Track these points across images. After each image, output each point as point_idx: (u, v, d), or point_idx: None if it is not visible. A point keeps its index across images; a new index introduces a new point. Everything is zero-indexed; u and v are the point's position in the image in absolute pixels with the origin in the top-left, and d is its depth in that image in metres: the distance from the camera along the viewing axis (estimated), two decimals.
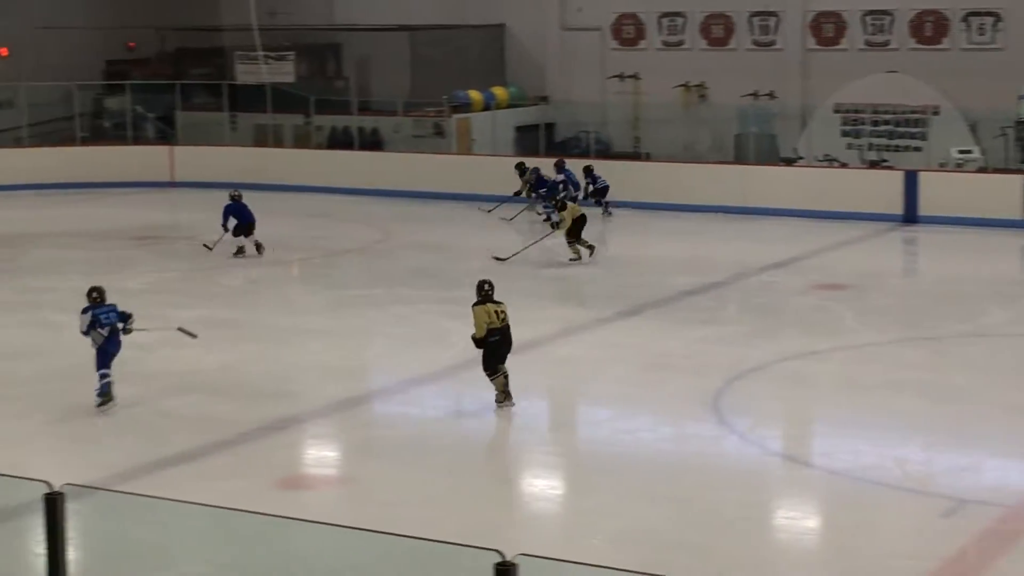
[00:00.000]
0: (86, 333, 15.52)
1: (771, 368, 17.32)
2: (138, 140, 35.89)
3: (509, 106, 34.87)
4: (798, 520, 12.80)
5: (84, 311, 15.62)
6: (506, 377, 15.33)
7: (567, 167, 28.30)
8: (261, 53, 33.81)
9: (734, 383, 16.52)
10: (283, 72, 34.38)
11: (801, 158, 31.48)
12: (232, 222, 24.40)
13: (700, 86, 34.13)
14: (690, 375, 16.95)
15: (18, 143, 35.19)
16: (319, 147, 34.73)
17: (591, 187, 28.73)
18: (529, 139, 33.96)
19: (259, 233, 24.42)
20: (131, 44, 39.82)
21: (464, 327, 16.92)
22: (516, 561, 6.51)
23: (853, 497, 13.00)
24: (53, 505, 6.09)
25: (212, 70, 38.08)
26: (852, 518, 12.33)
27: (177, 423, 15.04)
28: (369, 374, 17.96)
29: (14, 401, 15.94)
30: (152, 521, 9.11)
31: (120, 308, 15.68)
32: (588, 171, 28.89)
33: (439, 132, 33.65)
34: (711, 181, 29.91)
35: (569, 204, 24.16)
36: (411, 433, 15.11)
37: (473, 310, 15.30)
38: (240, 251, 24.55)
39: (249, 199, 24.53)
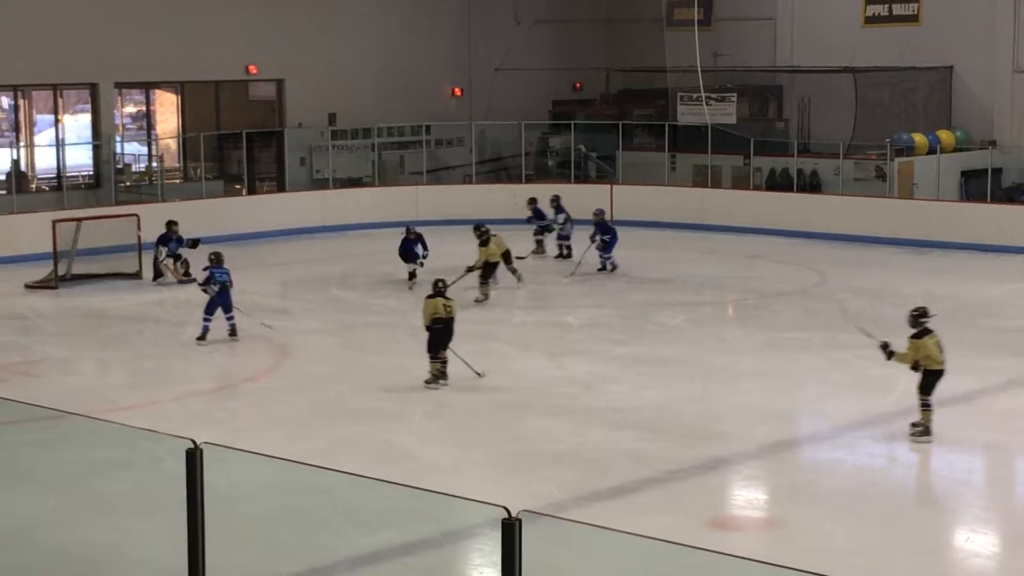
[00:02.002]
0: (202, 285, 20.89)
1: None
2: (580, 179, 36.81)
3: (954, 150, 33.98)
4: None
5: (204, 269, 21.09)
6: (444, 363, 18.06)
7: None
8: (703, 94, 34.12)
9: None
10: (724, 113, 34.59)
11: None
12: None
13: None
14: None
15: (467, 179, 36.66)
16: (757, 188, 34.73)
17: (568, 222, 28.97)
18: (975, 184, 32.98)
19: (682, 271, 24.62)
20: (577, 85, 40.94)
21: (900, 375, 16.63)
22: None
23: None
24: (511, 531, 6.26)
25: (653, 111, 38.68)
26: None
27: (612, 458, 15.32)
28: (802, 418, 17.81)
29: (463, 429, 16.59)
30: (590, 552, 9.32)
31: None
32: (555, 201, 29.21)
33: (880, 175, 33.10)
34: None
35: (492, 242, 24.30)
36: (843, 480, 14.91)
37: (425, 301, 18.32)
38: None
39: (685, 239, 24.78)
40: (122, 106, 35.64)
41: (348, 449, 15.52)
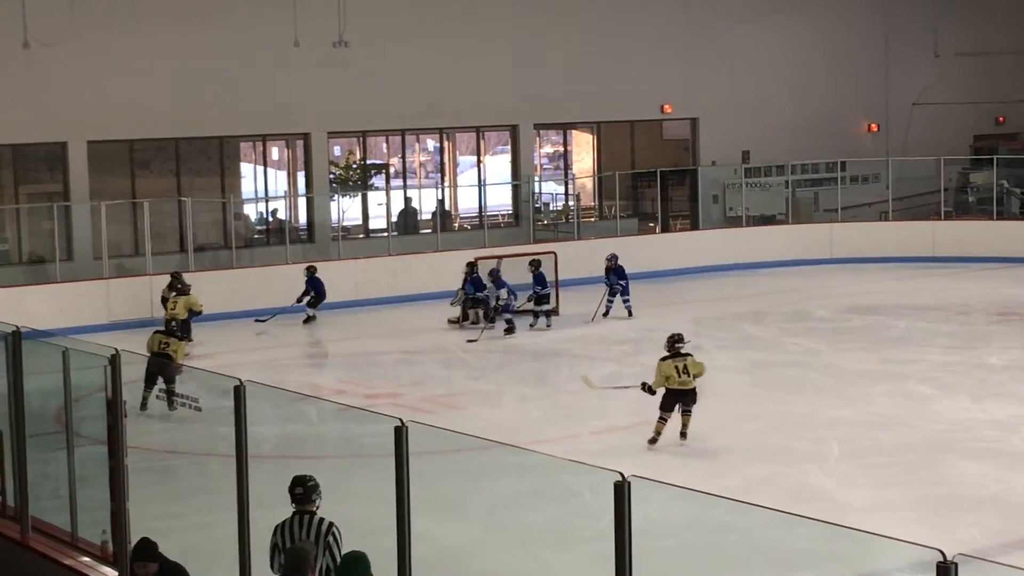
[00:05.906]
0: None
1: None
2: (1002, 215, 35.54)
3: None
4: None
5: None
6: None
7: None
8: None
9: None
10: None
11: None
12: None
13: None
14: None
15: (883, 216, 35.96)
16: None
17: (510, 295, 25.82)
18: None
19: None
20: (1000, 119, 39.58)
21: None
22: None
23: None
24: (946, 574, 6.11)
25: None
26: None
27: None
28: None
29: (877, 469, 16.23)
30: None
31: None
32: (494, 274, 26.02)
33: None
34: None
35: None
36: None
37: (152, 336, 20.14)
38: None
39: None
40: (540, 146, 36.63)
41: (763, 488, 15.40)
